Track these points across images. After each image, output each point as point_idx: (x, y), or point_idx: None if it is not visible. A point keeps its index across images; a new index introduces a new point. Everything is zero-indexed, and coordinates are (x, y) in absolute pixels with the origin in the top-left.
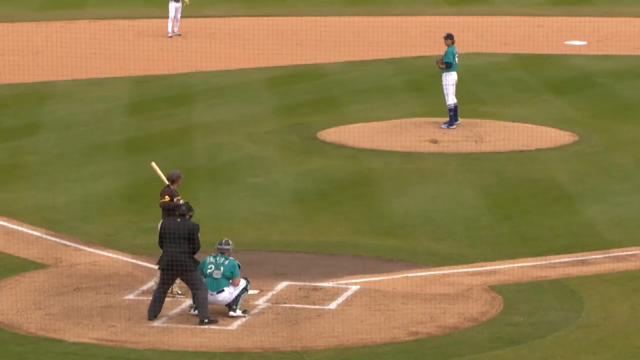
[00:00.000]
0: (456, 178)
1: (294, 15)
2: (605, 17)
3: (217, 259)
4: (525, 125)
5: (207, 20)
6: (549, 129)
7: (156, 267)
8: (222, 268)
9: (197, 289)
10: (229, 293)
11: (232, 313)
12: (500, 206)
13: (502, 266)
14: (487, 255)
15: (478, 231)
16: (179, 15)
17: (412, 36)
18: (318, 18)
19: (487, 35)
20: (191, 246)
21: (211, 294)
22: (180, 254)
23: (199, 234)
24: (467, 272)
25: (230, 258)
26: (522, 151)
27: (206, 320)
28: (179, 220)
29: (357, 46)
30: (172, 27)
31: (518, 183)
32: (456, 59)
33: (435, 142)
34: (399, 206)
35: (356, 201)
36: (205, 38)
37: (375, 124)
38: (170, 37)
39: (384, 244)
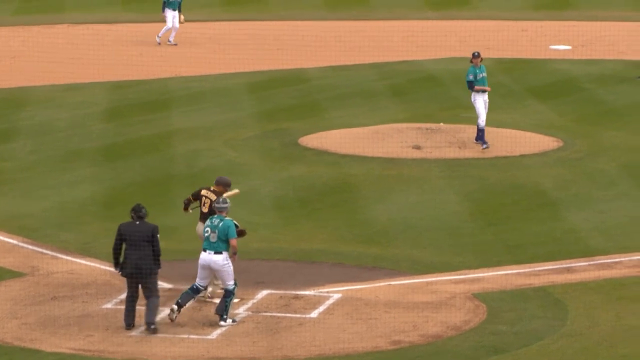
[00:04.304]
0: (439, 184)
1: (275, 19)
2: (590, 21)
3: (213, 220)
4: (509, 130)
5: (187, 25)
6: (532, 134)
7: (118, 273)
8: (217, 231)
9: (153, 295)
10: (224, 258)
11: (222, 323)
12: (483, 213)
13: (485, 274)
14: (471, 262)
15: (461, 238)
16: (177, 24)
17: (395, 41)
18: (299, 22)
19: (470, 39)
20: (153, 249)
21: (208, 253)
22: (144, 258)
23: (158, 236)
24: (450, 280)
25: (226, 218)
26: (505, 157)
27: (153, 327)
28: (137, 223)
29: (339, 51)
30: (168, 34)
31: (501, 189)
32: (478, 75)
33: (417, 148)
34: (381, 213)
35: (337, 208)
36: (185, 43)
37: (357, 129)
38: (175, 44)
39: (366, 252)
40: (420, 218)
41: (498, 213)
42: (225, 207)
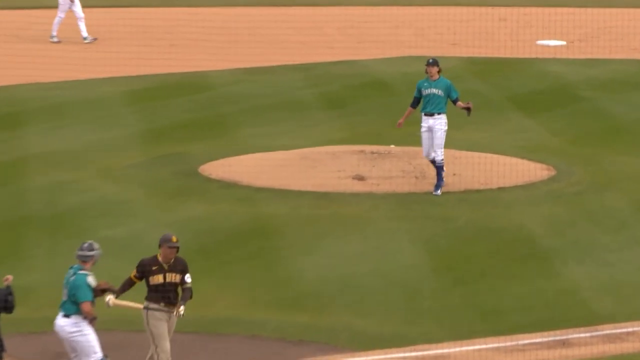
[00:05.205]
0: (389, 228)
1: (167, 5)
2: (591, 7)
3: (69, 272)
4: (484, 155)
5: (44, 12)
6: (515, 160)
7: None
8: (67, 288)
9: None
10: (72, 324)
11: None
12: (449, 267)
13: (452, 349)
14: (432, 334)
15: (419, 302)
16: (80, 12)
17: (329, 34)
18: (199, 10)
19: (430, 32)
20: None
21: (59, 316)
22: None
23: (11, 297)
24: (405, 357)
25: (81, 272)
26: (479, 191)
27: None
28: None
29: (254, 48)
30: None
31: (474, 235)
32: (424, 91)
33: (360, 179)
34: (311, 268)
35: (252, 261)
36: (43, 37)
37: (278, 154)
38: (91, 40)
39: (290, 320)
40: (364, 274)
41: (469, 267)
42: (90, 256)
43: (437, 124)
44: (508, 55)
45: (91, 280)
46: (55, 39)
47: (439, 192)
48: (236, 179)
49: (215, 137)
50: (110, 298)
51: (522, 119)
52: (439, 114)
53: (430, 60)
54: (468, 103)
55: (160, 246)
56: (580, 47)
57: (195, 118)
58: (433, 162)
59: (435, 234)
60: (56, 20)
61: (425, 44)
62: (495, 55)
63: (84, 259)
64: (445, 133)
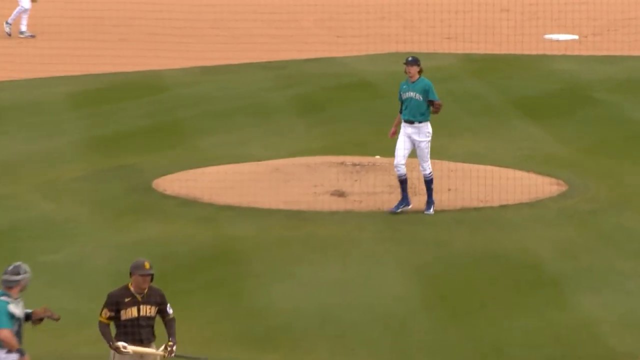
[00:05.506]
0: (374, 252)
1: None
2: None
3: None
4: (484, 167)
5: None
6: (520, 173)
7: None
8: None
9: None
10: None
11: None
12: (443, 297)
13: None
14: None
15: (409, 337)
16: (28, 3)
17: (305, 27)
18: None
19: (421, 25)
20: None
21: None
22: None
23: None
24: None
25: (2, 298)
26: (478, 209)
27: None
28: None
29: (216, 43)
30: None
31: (472, 260)
32: (403, 95)
33: (340, 194)
34: (283, 298)
35: (214, 290)
36: None
37: (245, 166)
38: (28, 36)
39: (260, 358)
40: (345, 305)
41: (467, 298)
42: (16, 282)
43: (418, 135)
44: (511, 52)
45: (13, 308)
46: (25, 34)
47: (431, 210)
48: (196, 196)
49: (172, 147)
50: (123, 345)
51: (527, 126)
52: (420, 122)
53: (410, 59)
54: (438, 101)
55: (131, 274)
56: (595, 42)
57: (149, 124)
58: (400, 177)
59: (427, 259)
60: (23, 15)
61: (416, 38)
62: (497, 51)
63: (8, 285)
64: (429, 144)
